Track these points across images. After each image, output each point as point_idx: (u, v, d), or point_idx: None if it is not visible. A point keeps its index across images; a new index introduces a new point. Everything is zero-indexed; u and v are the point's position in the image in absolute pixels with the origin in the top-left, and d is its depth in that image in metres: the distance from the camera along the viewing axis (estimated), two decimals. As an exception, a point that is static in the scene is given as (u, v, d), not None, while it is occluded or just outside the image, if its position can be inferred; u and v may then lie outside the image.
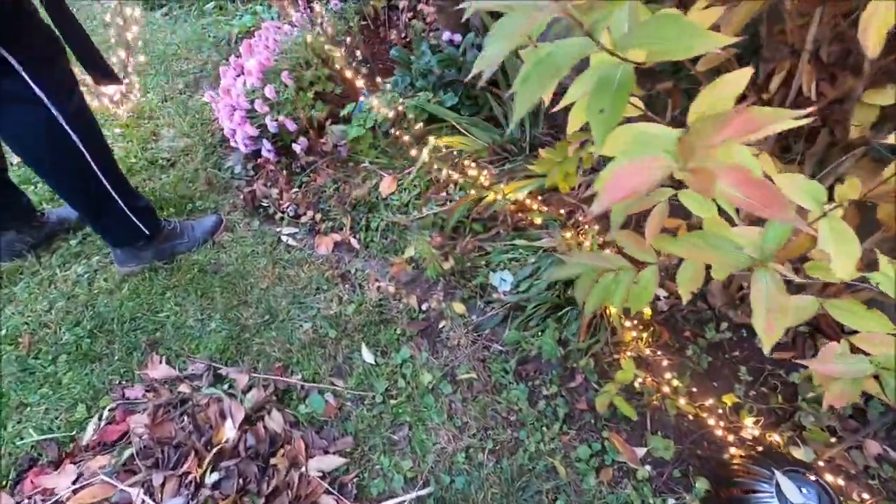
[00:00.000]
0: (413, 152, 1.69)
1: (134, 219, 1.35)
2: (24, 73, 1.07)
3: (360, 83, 1.91)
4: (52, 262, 1.43)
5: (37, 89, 1.09)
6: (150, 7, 2.83)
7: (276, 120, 1.67)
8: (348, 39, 2.08)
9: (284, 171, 1.70)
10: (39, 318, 1.28)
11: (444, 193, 1.60)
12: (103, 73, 1.26)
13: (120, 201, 1.31)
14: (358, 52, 2.08)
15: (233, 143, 1.83)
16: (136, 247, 1.41)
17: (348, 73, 1.95)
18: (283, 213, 1.61)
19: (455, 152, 1.68)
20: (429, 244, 1.36)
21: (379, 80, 2.18)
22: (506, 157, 1.74)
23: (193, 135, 1.95)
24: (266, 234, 1.56)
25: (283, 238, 1.56)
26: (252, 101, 1.68)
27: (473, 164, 1.66)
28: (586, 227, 1.55)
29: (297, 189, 1.63)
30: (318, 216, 1.59)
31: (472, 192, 1.58)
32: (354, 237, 1.55)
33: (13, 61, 1.05)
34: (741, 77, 0.49)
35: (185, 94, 2.19)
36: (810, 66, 0.78)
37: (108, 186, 1.27)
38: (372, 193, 1.60)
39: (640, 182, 0.32)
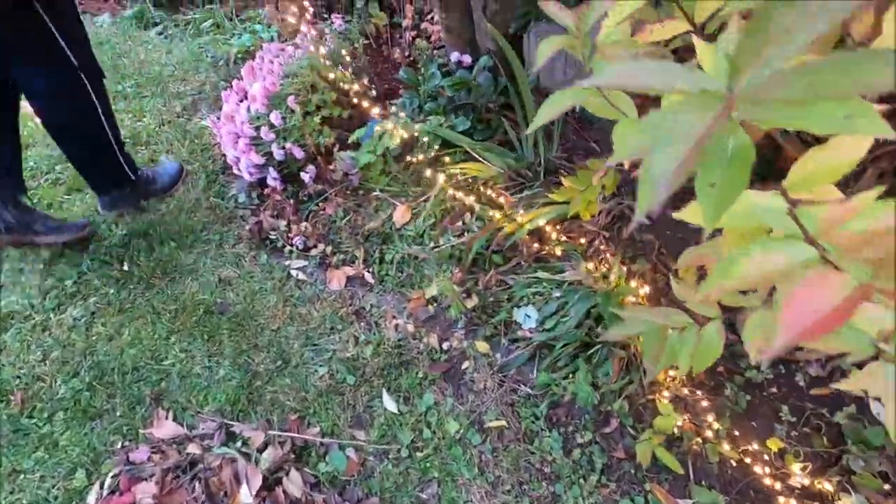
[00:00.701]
0: (426, 179, 1.63)
1: (124, 164, 1.54)
2: (53, 30, 1.23)
3: (367, 106, 1.85)
4: (45, 305, 1.34)
5: (66, 48, 1.27)
6: (143, 26, 2.75)
7: (283, 148, 1.60)
8: (353, 61, 2.02)
9: (292, 201, 1.63)
10: (33, 369, 1.18)
11: (460, 223, 1.54)
12: None
13: (118, 151, 1.51)
14: (364, 74, 2.02)
15: (236, 171, 1.75)
16: (122, 193, 1.59)
17: (355, 97, 1.89)
18: (291, 245, 1.53)
19: (470, 179, 1.62)
20: (450, 281, 1.29)
21: (386, 102, 2.13)
22: (522, 183, 1.69)
23: (193, 161, 1.87)
24: (274, 269, 1.48)
25: (293, 272, 1.48)
26: (257, 129, 1.61)
27: (489, 192, 1.60)
28: (608, 256, 1.50)
29: (305, 222, 1.56)
30: (329, 248, 1.51)
31: (490, 220, 1.52)
32: (368, 271, 1.47)
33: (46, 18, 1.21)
34: (864, 139, 0.43)
35: (183, 117, 2.11)
36: None
37: (113, 141, 1.47)
38: (385, 224, 1.53)
39: (828, 310, 0.25)
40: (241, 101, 1.73)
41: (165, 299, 1.37)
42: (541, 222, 1.52)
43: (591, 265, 1.43)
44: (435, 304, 1.35)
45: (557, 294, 1.34)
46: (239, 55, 2.43)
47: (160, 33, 2.73)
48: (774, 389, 1.23)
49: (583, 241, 1.53)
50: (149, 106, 2.14)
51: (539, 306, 1.34)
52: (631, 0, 0.48)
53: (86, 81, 1.36)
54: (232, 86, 1.79)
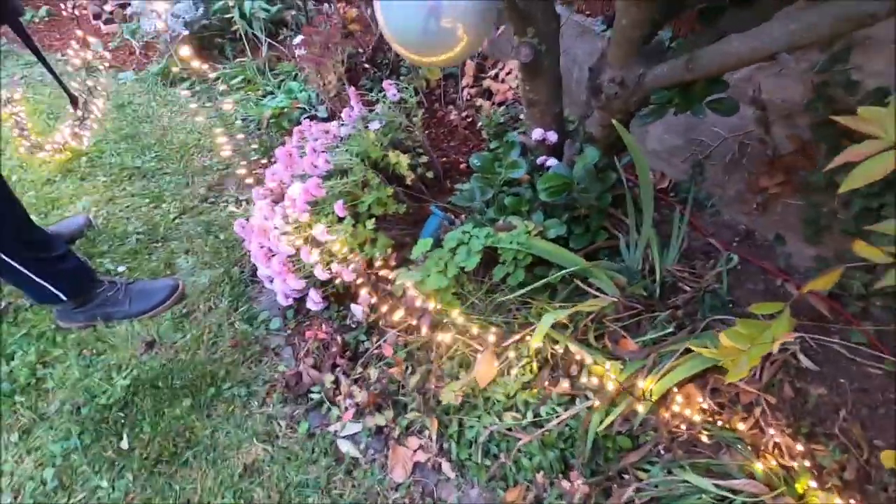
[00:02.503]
0: (512, 309, 1.23)
1: (48, 286, 1.30)
2: None
3: (428, 195, 1.48)
4: (14, 511, 0.99)
5: None
6: (169, 82, 2.49)
7: (329, 268, 1.24)
8: (408, 136, 1.66)
9: (339, 337, 1.25)
10: None
11: (566, 383, 1.13)
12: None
13: (30, 273, 1.27)
14: (423, 152, 1.66)
15: (267, 285, 1.40)
16: (66, 308, 1.37)
17: (412, 182, 1.53)
18: (338, 406, 1.15)
19: (572, 313, 1.22)
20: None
21: (448, 184, 1.75)
22: (639, 312, 1.27)
23: (217, 265, 1.53)
24: (318, 443, 1.10)
25: (343, 447, 1.09)
26: (296, 245, 1.25)
27: (600, 331, 1.19)
28: (781, 435, 1.06)
29: (355, 384, 1.18)
30: (390, 414, 1.13)
31: (609, 379, 1.11)
32: (442, 451, 1.08)
33: None
34: None
35: (207, 200, 1.79)
36: None
37: (13, 262, 1.24)
38: (463, 382, 1.14)
39: None
40: (276, 203, 1.38)
41: (172, 503, 1.00)
42: (676, 378, 1.10)
43: (762, 459, 1.00)
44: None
45: (727, 517, 0.92)
46: (273, 119, 2.12)
47: (187, 89, 2.45)
48: None
49: (741, 418, 1.09)
50: (169, 186, 1.83)
51: (699, 534, 0.92)
52: None
53: None
54: (264, 179, 1.45)
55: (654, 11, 0.96)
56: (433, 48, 0.83)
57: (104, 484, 1.03)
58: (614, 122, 1.06)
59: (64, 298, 1.33)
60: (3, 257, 1.23)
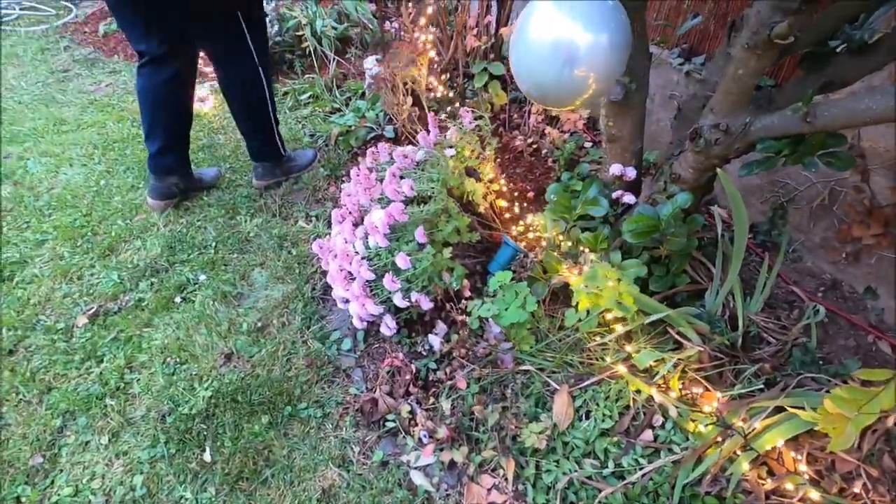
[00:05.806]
0: (589, 346, 1.21)
1: (278, 139, 1.84)
2: (245, 30, 1.56)
3: (501, 223, 1.47)
4: None
5: (251, 44, 1.59)
6: (242, 95, 2.58)
7: (408, 297, 1.25)
8: (481, 161, 1.66)
9: (412, 366, 1.26)
10: None
11: (649, 433, 1.10)
12: None
13: (274, 124, 1.80)
14: (497, 180, 1.66)
15: (340, 305, 1.43)
16: (272, 164, 1.87)
17: (485, 211, 1.53)
18: (412, 435, 1.15)
19: (655, 361, 1.18)
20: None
21: (519, 212, 1.75)
22: (722, 362, 1.22)
23: (290, 280, 1.57)
24: (392, 474, 1.10)
25: (416, 480, 1.09)
26: (377, 271, 1.27)
27: (686, 381, 1.15)
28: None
29: (429, 402, 1.18)
30: (465, 449, 1.12)
31: (696, 434, 1.07)
32: (518, 494, 1.06)
33: (242, 21, 1.54)
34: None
35: (279, 215, 1.84)
36: None
37: (272, 111, 1.76)
38: (542, 421, 1.12)
39: None
40: (356, 225, 1.40)
41: (253, 522, 1.02)
42: (768, 445, 1.05)
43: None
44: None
45: None
46: (340, 137, 2.17)
47: (257, 103, 2.54)
48: None
49: (837, 478, 1.04)
50: (242, 199, 1.90)
51: None
52: None
53: (262, 73, 1.65)
54: (342, 201, 1.48)
55: (774, 61, 0.94)
56: (566, 95, 0.83)
57: (188, 495, 1.06)
58: (719, 172, 1.03)
59: (284, 153, 1.86)
60: (269, 105, 1.72)
